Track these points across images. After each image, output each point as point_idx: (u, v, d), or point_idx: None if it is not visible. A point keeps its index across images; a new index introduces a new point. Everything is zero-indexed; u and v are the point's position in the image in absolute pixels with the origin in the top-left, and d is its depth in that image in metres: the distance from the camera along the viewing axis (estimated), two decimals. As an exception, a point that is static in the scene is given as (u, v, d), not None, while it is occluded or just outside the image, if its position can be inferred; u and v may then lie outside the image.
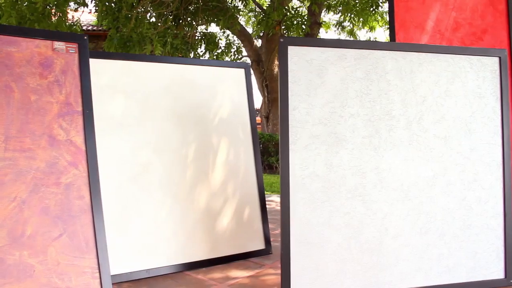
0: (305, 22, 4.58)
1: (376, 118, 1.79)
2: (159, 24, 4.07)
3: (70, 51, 1.59)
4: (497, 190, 1.91)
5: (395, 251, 1.79)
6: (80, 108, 1.58)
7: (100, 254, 1.53)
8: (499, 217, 1.91)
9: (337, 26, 5.76)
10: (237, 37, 5.13)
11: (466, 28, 2.83)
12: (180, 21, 4.04)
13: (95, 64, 1.95)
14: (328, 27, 6.29)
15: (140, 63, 2.08)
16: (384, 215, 1.78)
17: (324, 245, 1.72)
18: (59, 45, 1.57)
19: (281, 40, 1.73)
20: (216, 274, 2.00)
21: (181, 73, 2.16)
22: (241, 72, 2.32)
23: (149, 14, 3.85)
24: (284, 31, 4.67)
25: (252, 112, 2.34)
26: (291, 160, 1.70)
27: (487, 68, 1.92)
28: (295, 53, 1.73)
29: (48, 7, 3.15)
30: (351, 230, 1.75)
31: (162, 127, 2.08)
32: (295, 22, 4.47)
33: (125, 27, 3.45)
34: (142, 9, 3.77)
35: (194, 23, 4.05)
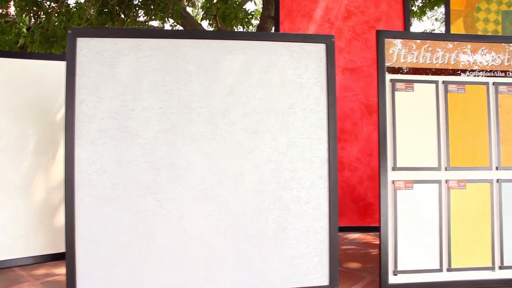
0: (249, 16, 4.46)
1: (173, 111, 1.68)
2: (100, 19, 4.08)
3: None
4: (320, 189, 1.74)
5: (195, 254, 1.68)
6: None
7: None
8: (323, 219, 1.74)
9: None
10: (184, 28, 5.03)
11: (358, 17, 2.62)
12: (117, 16, 4.04)
13: None
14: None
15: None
16: (181, 214, 1.67)
17: (113, 244, 1.65)
18: None
19: (69, 32, 1.67)
20: (42, 270, 1.98)
21: (22, 67, 2.14)
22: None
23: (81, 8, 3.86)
24: (234, 26, 4.56)
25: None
26: (77, 155, 1.63)
27: (310, 55, 1.75)
28: (84, 45, 1.66)
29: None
30: (143, 229, 1.66)
31: (-4, 122, 2.08)
32: (238, 16, 4.37)
33: (47, 23, 3.49)
34: (73, 3, 3.79)
35: (128, 18, 4.03)
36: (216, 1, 4.04)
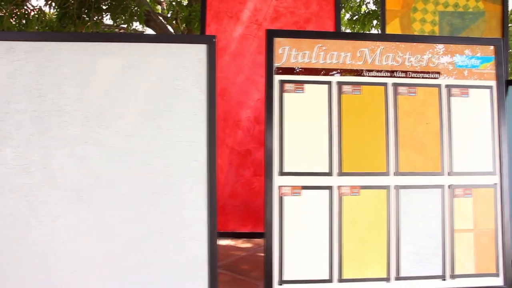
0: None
1: (46, 114, 1.67)
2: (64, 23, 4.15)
3: None
4: (199, 194, 1.69)
5: (68, 258, 1.65)
6: None
7: None
8: (202, 224, 1.69)
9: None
10: (154, 32, 5.06)
11: (287, 17, 2.56)
12: (78, 19, 4.09)
13: None
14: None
15: None
16: (54, 218, 1.65)
17: (-14, 247, 1.64)
18: None
19: None
20: None
21: None
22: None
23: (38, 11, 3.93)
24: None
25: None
26: (-50, 158, 1.65)
27: (190, 57, 1.71)
28: (-40, 48, 1.68)
29: None
30: (15, 232, 1.65)
31: None
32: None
33: (0, 25, 3.56)
34: (31, 7, 3.87)
35: (89, 20, 4.08)
36: (176, 5, 4.05)
